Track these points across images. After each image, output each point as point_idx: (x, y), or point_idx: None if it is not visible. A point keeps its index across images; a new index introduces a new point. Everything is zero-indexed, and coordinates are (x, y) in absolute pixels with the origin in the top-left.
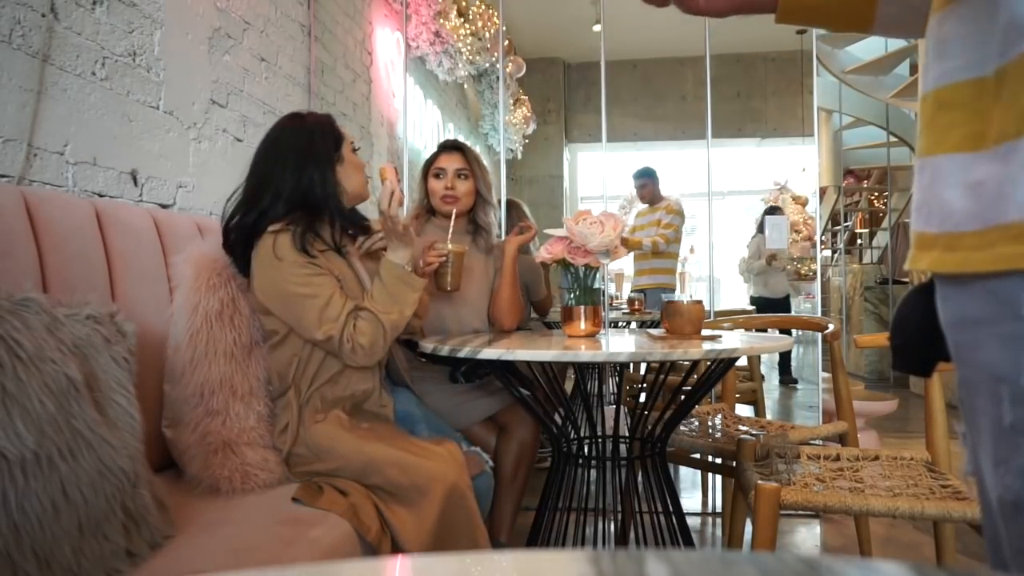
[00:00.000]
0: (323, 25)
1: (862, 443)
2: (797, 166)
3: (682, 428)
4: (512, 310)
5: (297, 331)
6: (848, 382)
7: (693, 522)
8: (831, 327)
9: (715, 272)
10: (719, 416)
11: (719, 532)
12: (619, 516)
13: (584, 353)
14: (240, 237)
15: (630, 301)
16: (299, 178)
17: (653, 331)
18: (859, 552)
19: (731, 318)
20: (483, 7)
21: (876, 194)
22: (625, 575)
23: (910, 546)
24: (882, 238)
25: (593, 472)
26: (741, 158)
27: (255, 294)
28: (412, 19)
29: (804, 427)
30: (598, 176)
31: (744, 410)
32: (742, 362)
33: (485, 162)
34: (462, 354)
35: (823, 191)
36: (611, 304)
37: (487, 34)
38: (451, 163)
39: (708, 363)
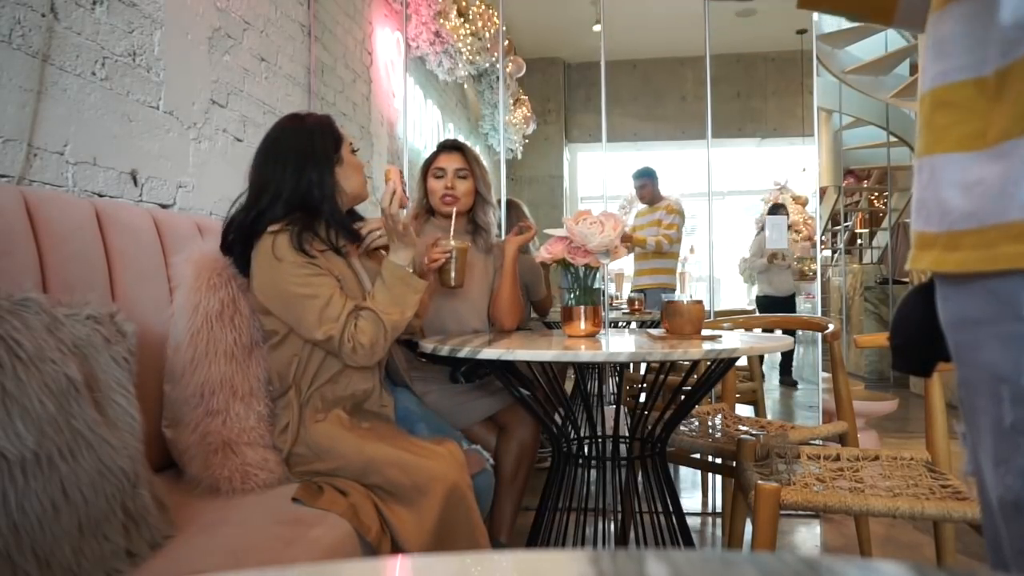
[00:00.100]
0: (323, 25)
1: (862, 443)
2: (797, 166)
3: (682, 428)
4: (512, 310)
5: (297, 331)
6: (848, 382)
7: (693, 522)
8: (831, 327)
9: (715, 272)
10: (719, 416)
11: (719, 532)
12: (619, 516)
13: (584, 353)
14: (239, 237)
15: (630, 301)
16: (298, 179)
17: (653, 331)
18: (859, 552)
19: (731, 318)
20: (483, 7)
21: (876, 194)
22: (625, 575)
23: (910, 546)
24: (882, 238)
25: (593, 472)
26: (741, 158)
27: (255, 294)
28: (412, 19)
29: (804, 427)
30: (598, 176)
31: (744, 410)
32: (742, 362)
33: (485, 162)
34: (462, 354)
35: (823, 191)
36: (611, 304)
37: (487, 34)
38: (451, 163)
39: (708, 363)
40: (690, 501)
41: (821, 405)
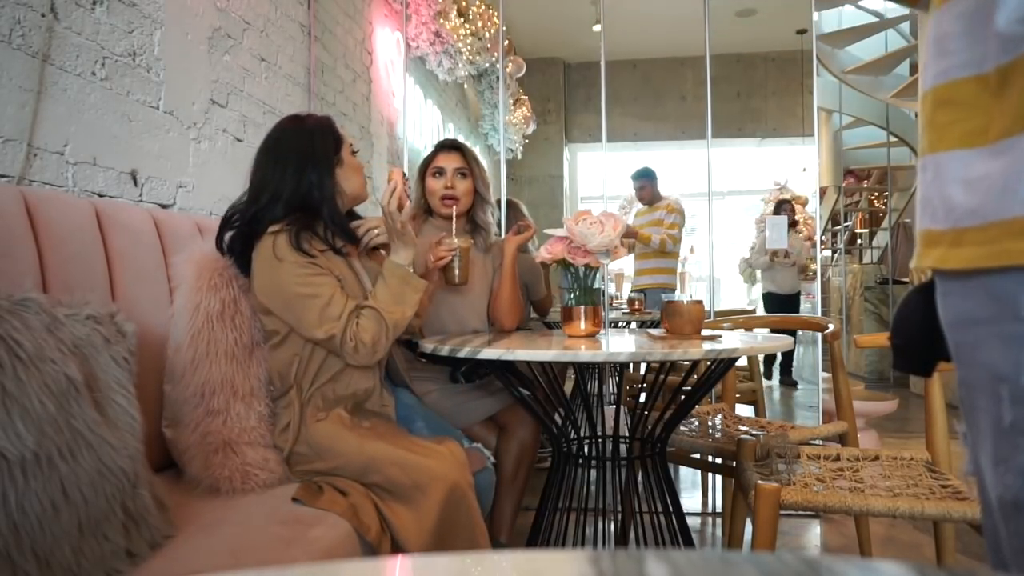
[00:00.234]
0: (323, 25)
1: (862, 443)
2: (797, 166)
3: (682, 428)
4: (512, 310)
5: (298, 331)
6: (848, 382)
7: (693, 522)
8: (831, 327)
9: (715, 272)
10: (719, 416)
11: (719, 532)
12: (619, 516)
13: (584, 353)
14: (238, 236)
15: (630, 301)
16: (299, 180)
17: (653, 331)
18: (859, 552)
19: (731, 318)
20: (483, 7)
21: (876, 194)
22: (625, 575)
23: (910, 546)
24: (882, 238)
25: (593, 472)
26: (741, 158)
27: (256, 295)
28: (412, 19)
29: (804, 427)
30: (598, 176)
31: (744, 410)
32: (742, 362)
33: (485, 162)
34: (462, 354)
35: (823, 191)
36: (611, 304)
37: (487, 34)
38: (450, 162)
39: (708, 363)
40: (690, 501)
41: (821, 405)
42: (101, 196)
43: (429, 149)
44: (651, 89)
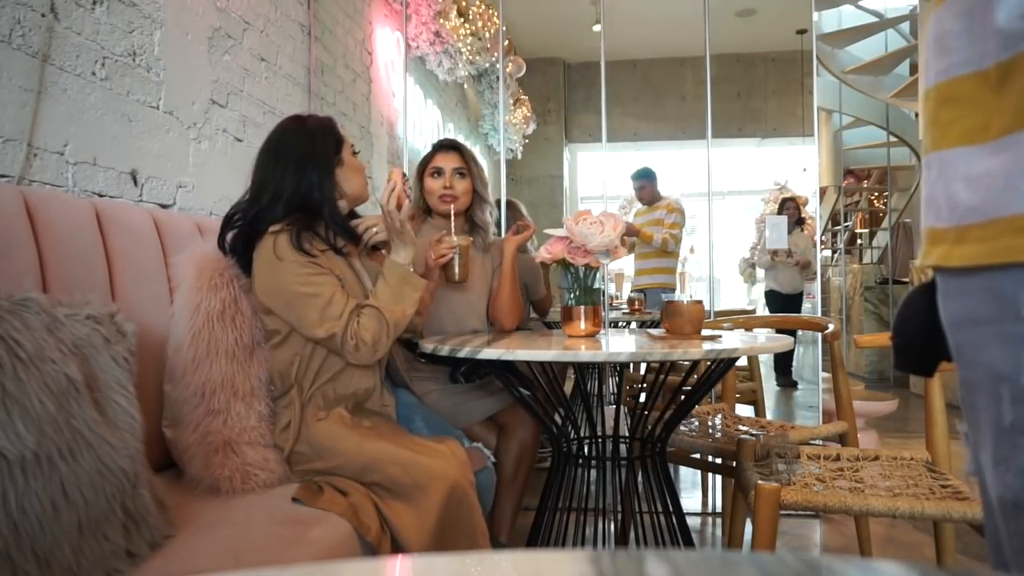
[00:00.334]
0: (323, 25)
1: (862, 443)
2: (797, 166)
3: (682, 428)
4: (512, 310)
5: (298, 330)
6: (848, 382)
7: (693, 522)
8: (831, 327)
9: (715, 272)
10: (719, 416)
11: (719, 532)
12: (619, 516)
13: (584, 353)
14: (240, 236)
15: (630, 301)
16: (299, 181)
17: (653, 331)
18: (859, 552)
19: (731, 318)
20: (483, 7)
21: (876, 194)
22: (625, 575)
23: (910, 546)
24: (882, 238)
25: (593, 472)
26: (741, 158)
27: (257, 294)
28: (412, 19)
29: (804, 427)
30: (598, 176)
31: (744, 410)
32: (742, 362)
33: (485, 162)
34: (462, 354)
35: (823, 191)
36: (611, 304)
37: (487, 34)
38: (449, 162)
39: (708, 363)
40: (690, 501)
41: (821, 405)
42: (101, 196)
43: (429, 149)
44: (651, 89)
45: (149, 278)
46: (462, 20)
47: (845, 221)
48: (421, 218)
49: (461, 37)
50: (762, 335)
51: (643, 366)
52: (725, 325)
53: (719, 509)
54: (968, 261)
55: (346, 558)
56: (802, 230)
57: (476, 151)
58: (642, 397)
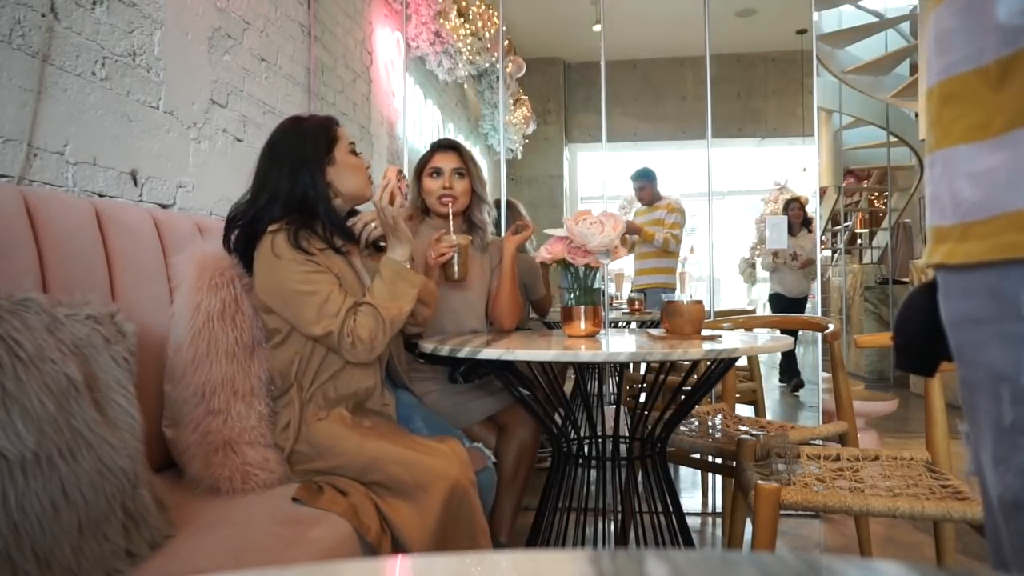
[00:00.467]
0: (323, 25)
1: (862, 443)
2: (797, 166)
3: (682, 428)
4: (512, 310)
5: (297, 328)
6: (848, 382)
7: (693, 522)
8: (831, 327)
9: (715, 272)
10: (719, 416)
11: (719, 532)
12: (619, 516)
13: (584, 353)
14: (241, 236)
15: (630, 301)
16: (294, 181)
17: (653, 331)
18: (859, 552)
19: (731, 318)
20: (483, 7)
21: (876, 194)
22: (625, 575)
23: (910, 546)
24: (882, 238)
25: (593, 472)
26: (741, 158)
27: (257, 293)
28: (412, 19)
29: (804, 427)
30: (598, 176)
31: (744, 410)
32: (742, 362)
33: (485, 162)
34: (462, 354)
35: (823, 191)
36: (611, 304)
37: (487, 34)
38: (448, 162)
39: (708, 363)
40: (690, 501)
41: (821, 405)
42: (101, 196)
43: (427, 149)
44: (651, 89)
45: (149, 278)
46: (462, 20)
47: (845, 221)
48: (419, 218)
49: (461, 37)
50: (762, 335)
51: (643, 366)
52: (725, 325)
53: (719, 509)
54: (970, 258)
55: (346, 558)
56: (808, 231)
57: (476, 151)
58: (642, 397)
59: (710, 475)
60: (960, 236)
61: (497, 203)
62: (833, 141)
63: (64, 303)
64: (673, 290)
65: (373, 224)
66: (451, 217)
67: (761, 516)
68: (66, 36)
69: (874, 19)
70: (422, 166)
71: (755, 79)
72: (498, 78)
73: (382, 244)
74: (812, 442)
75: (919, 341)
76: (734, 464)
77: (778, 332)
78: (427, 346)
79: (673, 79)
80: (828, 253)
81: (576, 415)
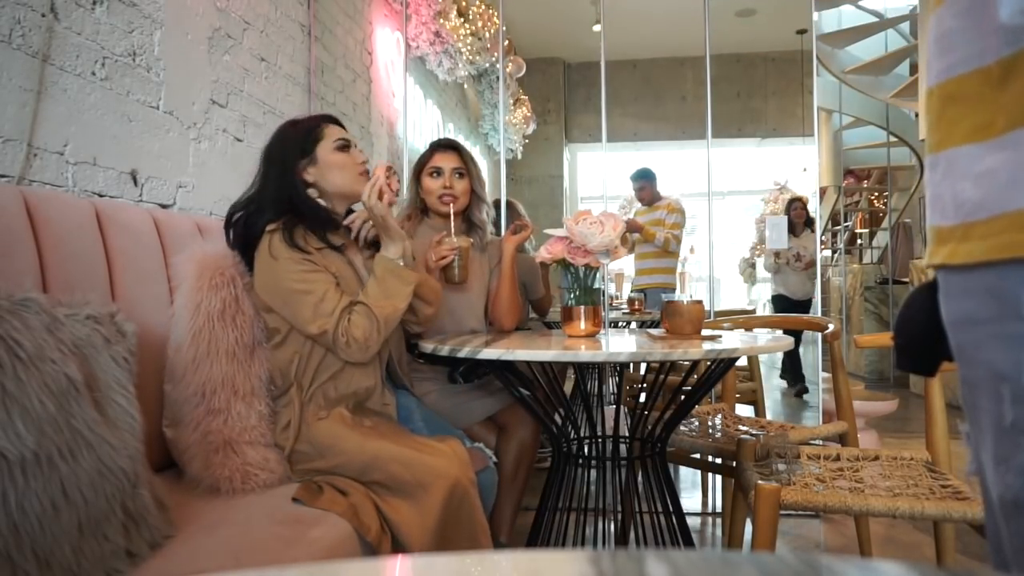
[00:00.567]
0: (323, 25)
1: (862, 443)
2: (797, 166)
3: (682, 428)
4: (511, 310)
5: (295, 327)
6: (848, 382)
7: (693, 522)
8: (831, 327)
9: (715, 272)
10: (719, 416)
11: (719, 532)
12: (619, 516)
13: (584, 353)
14: (237, 236)
15: (630, 301)
16: (281, 182)
17: (653, 331)
18: (859, 552)
19: (731, 318)
20: (483, 7)
21: (876, 194)
22: (625, 575)
23: (910, 546)
24: (882, 238)
25: (593, 472)
26: (741, 158)
27: (256, 292)
28: (412, 19)
29: (804, 427)
30: (598, 176)
31: (744, 410)
32: (742, 362)
33: (485, 162)
34: (462, 354)
35: (823, 191)
36: (611, 304)
37: (487, 34)
38: (448, 162)
39: (708, 363)
40: (690, 501)
41: (821, 405)
42: (101, 196)
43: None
44: (651, 89)
45: (149, 278)
46: (462, 20)
47: (845, 221)
48: (418, 218)
49: (461, 37)
50: (762, 335)
51: (643, 366)
52: (725, 325)
53: (719, 509)
54: (971, 258)
55: (346, 558)
56: (812, 231)
57: (476, 151)
58: (642, 397)
59: (710, 475)
60: (962, 237)
61: (497, 203)
62: (833, 141)
63: (64, 303)
64: (673, 290)
65: (370, 223)
66: (452, 216)
67: (761, 516)
68: (66, 36)
69: (874, 19)
70: (421, 165)
71: (755, 79)
72: (498, 78)
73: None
74: (812, 442)
75: (919, 341)
76: (734, 464)
77: (779, 332)
78: (427, 346)
79: (673, 79)
80: (828, 253)
81: (576, 415)
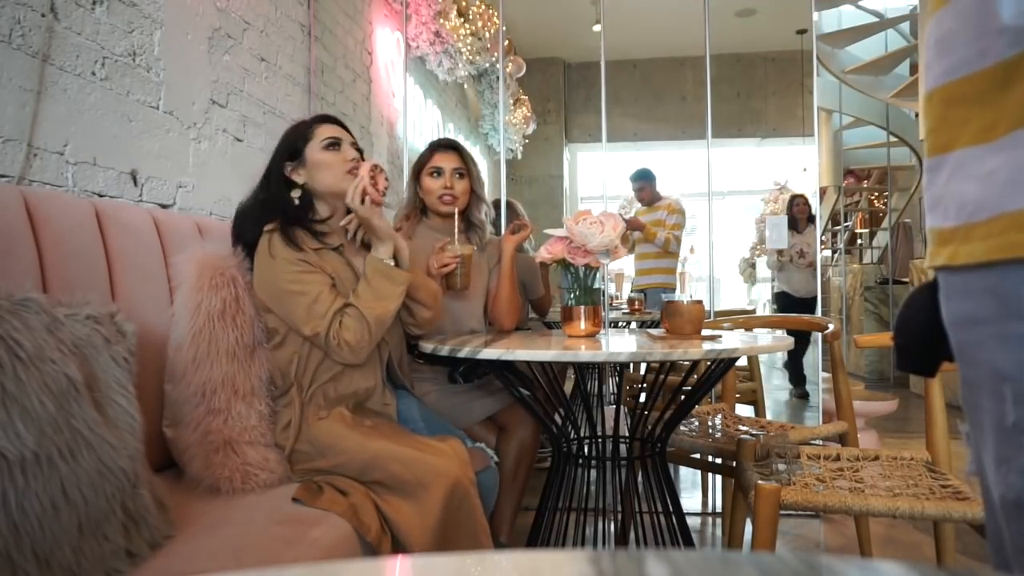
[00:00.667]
0: (323, 25)
1: (862, 443)
2: (797, 166)
3: (682, 428)
4: (511, 310)
5: (291, 327)
6: (848, 382)
7: (693, 522)
8: (831, 327)
9: (715, 272)
10: (719, 416)
11: (719, 532)
12: (619, 516)
13: (584, 353)
14: (242, 235)
15: (630, 301)
16: (270, 183)
17: (653, 331)
18: (859, 552)
19: (731, 318)
20: (483, 7)
21: (876, 194)
22: (625, 575)
23: (910, 546)
24: (882, 238)
25: (593, 472)
26: (741, 158)
27: (256, 292)
28: (412, 19)
29: (804, 427)
30: (598, 176)
31: (744, 410)
32: (742, 362)
33: (485, 162)
34: (462, 354)
35: (823, 191)
36: (611, 304)
37: (487, 34)
38: (448, 162)
39: (708, 363)
40: (690, 501)
41: (821, 405)
42: (101, 196)
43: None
44: (651, 89)
45: (149, 278)
46: (462, 20)
47: (845, 221)
48: (417, 218)
49: (461, 37)
50: (762, 335)
51: (643, 366)
52: (725, 325)
53: (719, 509)
54: (972, 259)
55: (346, 558)
56: (815, 227)
57: (476, 151)
58: (642, 397)
59: (710, 475)
60: (963, 238)
61: (496, 203)
62: (833, 141)
63: (64, 303)
64: (673, 290)
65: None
66: (456, 217)
67: (761, 516)
68: (66, 36)
69: (874, 19)
70: (421, 165)
71: (755, 79)
72: (498, 78)
73: None
74: (812, 442)
75: (920, 341)
76: (734, 464)
77: (780, 332)
78: (427, 346)
79: (673, 79)
80: (828, 253)
81: (576, 415)
